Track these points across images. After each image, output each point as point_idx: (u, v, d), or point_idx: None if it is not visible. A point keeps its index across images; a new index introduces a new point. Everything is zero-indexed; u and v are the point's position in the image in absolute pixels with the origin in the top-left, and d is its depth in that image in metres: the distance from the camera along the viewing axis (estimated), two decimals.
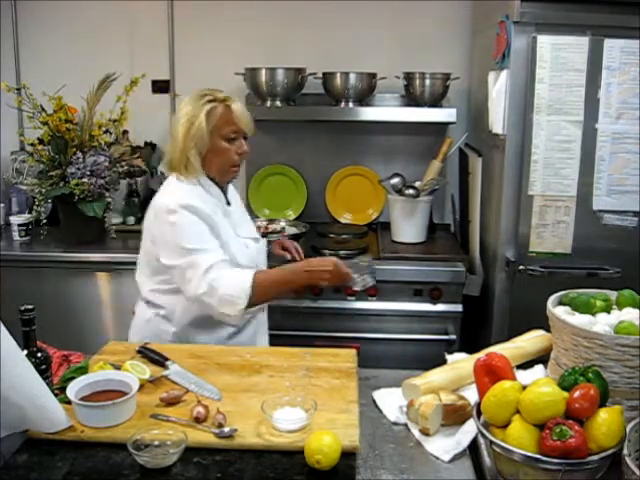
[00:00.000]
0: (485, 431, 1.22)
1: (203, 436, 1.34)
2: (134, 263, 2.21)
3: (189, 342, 1.89)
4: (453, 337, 2.55)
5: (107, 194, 2.74)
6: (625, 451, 1.11)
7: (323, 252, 2.71)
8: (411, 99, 2.93)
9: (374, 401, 1.57)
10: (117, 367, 1.56)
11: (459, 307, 2.58)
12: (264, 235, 2.79)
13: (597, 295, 1.51)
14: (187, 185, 1.87)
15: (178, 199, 1.82)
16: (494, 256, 2.52)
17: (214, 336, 1.92)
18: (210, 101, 1.87)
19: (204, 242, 1.82)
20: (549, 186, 2.34)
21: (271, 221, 3.06)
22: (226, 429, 1.35)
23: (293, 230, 2.96)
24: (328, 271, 1.84)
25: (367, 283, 1.97)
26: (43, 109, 2.77)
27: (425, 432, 1.41)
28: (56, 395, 1.38)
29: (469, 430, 1.40)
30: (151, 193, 3.11)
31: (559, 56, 2.26)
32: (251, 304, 1.78)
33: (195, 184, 1.88)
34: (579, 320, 1.42)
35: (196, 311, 1.88)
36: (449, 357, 1.76)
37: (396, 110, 2.96)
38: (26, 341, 1.43)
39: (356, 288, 1.99)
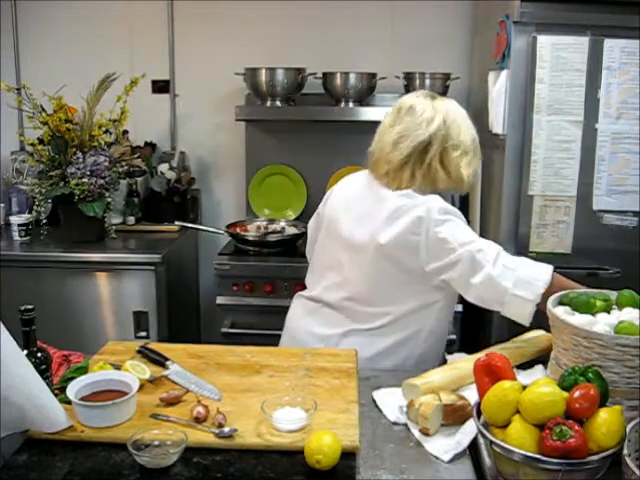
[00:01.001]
0: (485, 431, 1.22)
1: (203, 436, 1.34)
2: (134, 263, 2.23)
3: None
4: (453, 337, 2.55)
5: (107, 194, 2.74)
6: (625, 451, 1.11)
7: None
8: None
9: (374, 401, 1.56)
10: (117, 367, 1.56)
11: (459, 307, 2.58)
12: (264, 235, 2.80)
13: (597, 295, 1.51)
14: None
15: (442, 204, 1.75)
16: None
17: None
18: None
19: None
20: (549, 186, 2.34)
21: (271, 221, 3.06)
22: (226, 429, 1.35)
23: (293, 230, 2.96)
24: None
25: None
26: (43, 109, 2.77)
27: (425, 432, 1.41)
28: (56, 395, 1.38)
29: (469, 430, 1.40)
30: (151, 193, 3.14)
31: (559, 56, 2.26)
32: (545, 294, 1.63)
33: None
34: (579, 320, 1.42)
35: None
36: (449, 357, 1.76)
37: None
38: (26, 341, 1.43)
39: None
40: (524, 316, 1.70)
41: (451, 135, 1.78)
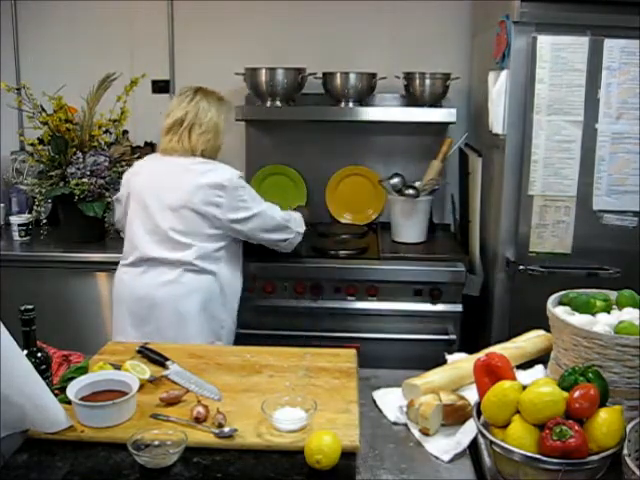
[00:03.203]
0: (485, 431, 1.22)
1: (203, 436, 1.34)
2: None
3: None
4: (453, 337, 2.55)
5: (107, 194, 2.74)
6: (625, 451, 1.11)
7: (323, 252, 2.71)
8: (411, 99, 2.93)
9: (374, 401, 1.57)
10: (117, 367, 1.56)
11: (459, 307, 2.58)
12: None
13: (597, 295, 1.51)
14: (220, 163, 2.28)
15: (235, 170, 2.25)
16: (494, 256, 2.52)
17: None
18: (225, 100, 2.36)
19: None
20: (549, 186, 2.34)
21: None
22: (226, 429, 1.35)
23: None
24: None
25: None
26: (43, 109, 2.77)
27: (425, 432, 1.41)
28: (56, 395, 1.38)
29: (469, 430, 1.40)
30: None
31: (559, 56, 2.26)
32: None
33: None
34: (579, 320, 1.42)
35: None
36: (449, 357, 1.76)
37: (396, 110, 2.96)
38: (26, 341, 1.43)
39: None
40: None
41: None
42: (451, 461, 1.33)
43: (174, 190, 2.18)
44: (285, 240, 2.41)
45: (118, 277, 2.28)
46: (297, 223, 2.46)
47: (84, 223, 2.80)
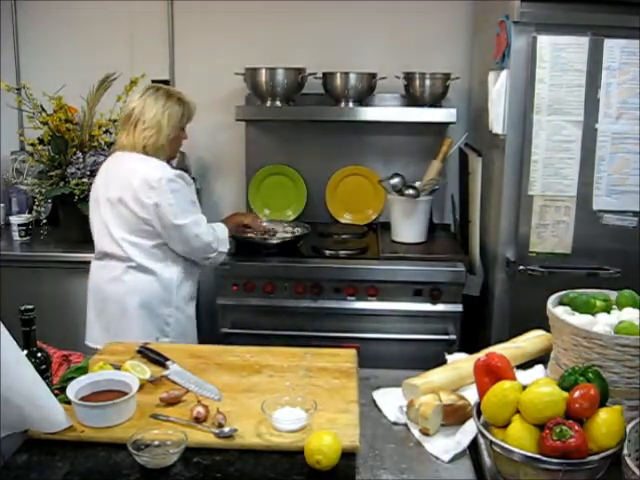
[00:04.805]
0: (485, 431, 1.22)
1: (203, 436, 1.34)
2: None
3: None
4: (453, 337, 2.55)
5: None
6: (625, 451, 1.11)
7: (323, 252, 2.71)
8: (411, 99, 2.93)
9: (374, 401, 1.57)
10: (117, 367, 1.56)
11: (459, 307, 2.58)
12: (264, 232, 2.80)
13: (597, 295, 1.51)
14: (162, 162, 2.23)
15: (171, 171, 2.19)
16: (494, 256, 2.52)
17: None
18: (179, 99, 2.27)
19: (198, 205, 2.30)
20: (549, 186, 2.34)
21: (271, 221, 3.05)
22: (226, 429, 1.35)
23: (293, 230, 2.95)
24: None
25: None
26: (43, 109, 2.77)
27: (425, 432, 1.41)
28: (56, 395, 1.38)
29: (469, 430, 1.40)
30: None
31: (559, 56, 2.26)
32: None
33: (164, 162, 2.25)
34: (579, 320, 1.42)
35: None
36: (449, 357, 1.76)
37: (396, 110, 2.96)
38: (26, 341, 1.43)
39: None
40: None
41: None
42: (451, 461, 1.33)
43: (113, 185, 2.21)
44: (207, 259, 2.32)
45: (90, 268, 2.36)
46: (220, 242, 2.33)
47: (84, 223, 2.76)
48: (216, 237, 2.31)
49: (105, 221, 2.23)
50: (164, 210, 2.15)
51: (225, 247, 2.36)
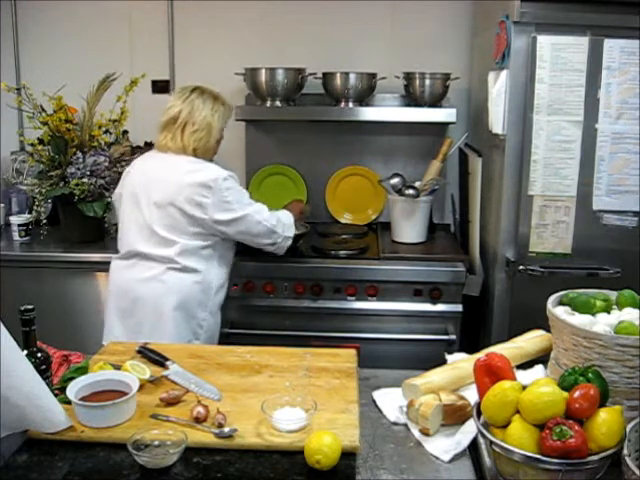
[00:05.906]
0: (485, 431, 1.22)
1: (203, 436, 1.34)
2: None
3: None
4: (453, 337, 2.55)
5: (107, 194, 2.74)
6: (625, 451, 1.11)
7: (323, 252, 2.71)
8: (411, 99, 2.93)
9: (374, 401, 1.57)
10: (117, 367, 1.56)
11: (459, 307, 2.58)
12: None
13: (597, 295, 1.51)
14: (212, 163, 2.30)
15: (224, 171, 2.24)
16: (494, 256, 2.52)
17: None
18: (223, 101, 2.34)
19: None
20: (549, 186, 2.34)
21: None
22: (226, 429, 1.35)
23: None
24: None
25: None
26: (43, 109, 2.77)
27: (425, 432, 1.41)
28: (56, 395, 1.38)
29: (469, 430, 1.40)
30: None
31: (559, 56, 2.26)
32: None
33: (212, 163, 2.31)
34: (579, 320, 1.42)
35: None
36: (449, 357, 1.76)
37: (396, 110, 2.96)
38: (26, 341, 1.43)
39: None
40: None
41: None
42: (451, 461, 1.33)
43: (161, 187, 2.19)
44: (273, 244, 2.37)
45: (111, 269, 2.31)
46: (285, 227, 2.40)
47: (84, 223, 2.80)
48: (280, 222, 2.37)
49: (149, 223, 2.19)
50: (225, 207, 2.18)
51: (291, 232, 2.42)
